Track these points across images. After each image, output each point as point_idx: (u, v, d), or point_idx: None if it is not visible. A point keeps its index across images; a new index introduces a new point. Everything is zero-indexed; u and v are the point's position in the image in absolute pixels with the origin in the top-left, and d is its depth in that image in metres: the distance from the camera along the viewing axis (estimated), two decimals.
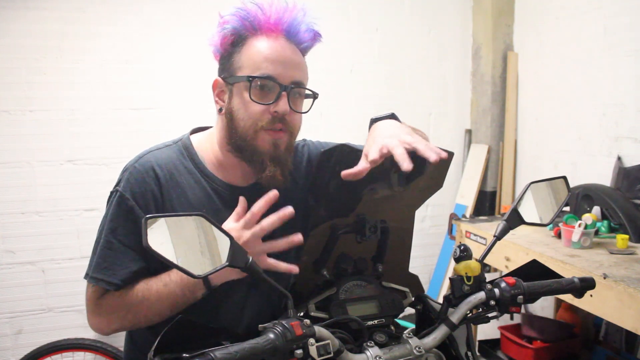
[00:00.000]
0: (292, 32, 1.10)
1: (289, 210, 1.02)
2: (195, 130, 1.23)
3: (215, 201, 1.13)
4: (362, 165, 0.97)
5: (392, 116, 1.11)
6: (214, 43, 1.13)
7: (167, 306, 1.04)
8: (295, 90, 1.09)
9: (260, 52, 1.07)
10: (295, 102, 1.10)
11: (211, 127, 1.23)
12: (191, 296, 1.04)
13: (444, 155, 0.92)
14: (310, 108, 1.14)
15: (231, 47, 1.10)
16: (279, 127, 1.08)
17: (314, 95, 1.14)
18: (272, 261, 1.03)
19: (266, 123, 1.07)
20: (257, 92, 1.07)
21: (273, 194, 1.02)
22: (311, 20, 1.12)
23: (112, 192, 1.12)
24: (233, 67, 1.09)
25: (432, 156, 0.91)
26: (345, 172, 0.98)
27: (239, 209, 1.04)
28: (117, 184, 1.12)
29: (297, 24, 1.09)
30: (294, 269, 1.03)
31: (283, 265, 1.03)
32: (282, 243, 1.03)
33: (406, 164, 0.89)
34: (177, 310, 1.05)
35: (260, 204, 1.02)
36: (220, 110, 1.13)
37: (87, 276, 1.09)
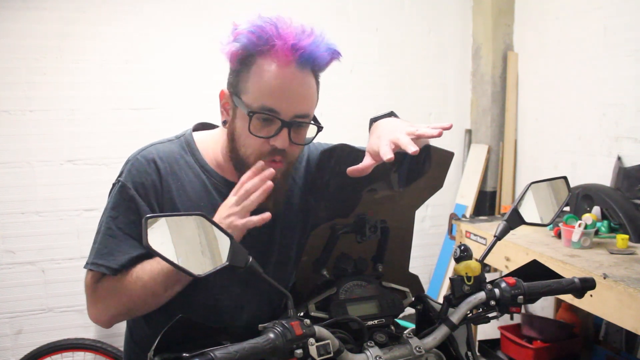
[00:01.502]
0: (306, 59, 1.03)
1: (269, 184, 1.03)
2: (198, 126, 1.24)
3: (214, 196, 1.14)
4: (368, 161, 0.99)
5: (391, 114, 1.11)
6: (225, 52, 1.08)
7: (161, 284, 1.04)
8: (297, 123, 1.06)
9: (266, 81, 1.02)
10: (298, 133, 1.07)
11: (213, 124, 1.23)
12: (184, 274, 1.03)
13: (448, 125, 0.96)
14: (312, 139, 1.12)
15: (239, 64, 1.05)
16: (277, 158, 1.07)
17: (318, 128, 1.11)
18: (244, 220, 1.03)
19: (266, 154, 1.06)
20: (257, 124, 1.04)
21: (269, 172, 1.03)
22: (330, 43, 1.06)
23: (114, 184, 1.13)
24: (239, 87, 1.06)
25: (434, 132, 0.93)
26: (351, 169, 0.99)
27: (238, 185, 1.05)
28: (120, 175, 1.12)
29: (313, 50, 1.03)
30: (266, 216, 1.03)
31: (255, 218, 1.03)
32: (257, 219, 1.03)
33: (412, 147, 0.91)
34: (171, 291, 1.05)
35: (254, 182, 1.03)
36: (224, 122, 1.12)
37: (87, 265, 1.09)
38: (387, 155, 0.93)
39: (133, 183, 1.09)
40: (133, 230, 1.08)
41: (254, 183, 1.03)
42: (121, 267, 1.07)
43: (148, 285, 1.04)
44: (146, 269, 1.05)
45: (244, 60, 1.04)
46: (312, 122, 1.09)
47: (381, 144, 0.96)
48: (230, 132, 1.10)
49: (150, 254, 1.06)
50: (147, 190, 1.09)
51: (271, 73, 1.02)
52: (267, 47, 1.01)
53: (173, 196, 1.11)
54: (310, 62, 1.04)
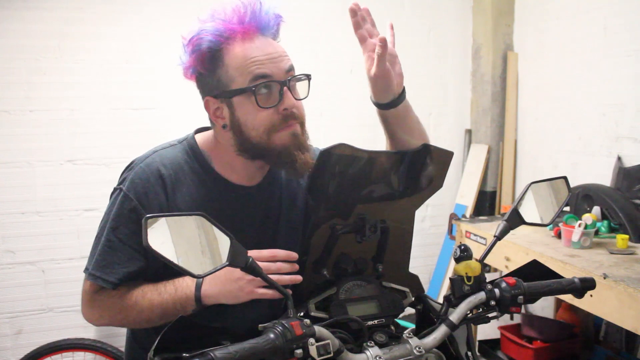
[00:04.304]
0: (262, 25, 1.08)
1: (299, 278, 1.03)
2: (200, 130, 1.23)
3: (219, 201, 1.14)
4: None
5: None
6: (188, 65, 1.11)
7: (157, 315, 1.06)
8: (292, 79, 1.09)
9: (245, 58, 1.05)
10: (294, 90, 1.10)
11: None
12: (181, 309, 1.04)
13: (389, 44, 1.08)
14: (308, 92, 1.14)
15: (210, 63, 1.08)
16: (291, 122, 1.09)
17: (308, 77, 1.13)
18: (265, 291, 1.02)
19: (279, 124, 1.07)
20: (261, 98, 1.06)
21: (294, 256, 1.03)
22: (269, 6, 1.10)
23: (115, 189, 1.13)
24: (223, 83, 1.08)
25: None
26: (373, 71, 1.11)
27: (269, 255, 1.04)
28: (122, 182, 1.12)
29: (262, 16, 1.08)
30: (298, 279, 1.03)
31: (286, 278, 1.03)
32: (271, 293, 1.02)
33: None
34: (165, 321, 1.05)
35: (282, 255, 1.02)
36: (224, 126, 1.11)
37: (86, 270, 1.10)
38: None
39: (136, 193, 1.09)
40: (133, 241, 1.08)
41: (285, 267, 1.02)
42: (119, 282, 1.08)
43: (144, 313, 1.06)
44: (146, 297, 1.06)
45: (213, 59, 1.07)
46: (302, 74, 1.12)
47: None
48: (236, 127, 1.09)
49: (149, 269, 1.08)
50: (150, 201, 1.09)
51: (244, 50, 1.06)
52: (225, 35, 1.06)
53: (178, 203, 1.11)
54: (265, 28, 1.09)
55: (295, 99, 1.09)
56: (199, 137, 1.20)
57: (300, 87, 1.13)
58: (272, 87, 1.06)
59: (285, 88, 1.07)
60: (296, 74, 1.10)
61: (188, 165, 1.14)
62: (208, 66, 1.08)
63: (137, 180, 1.10)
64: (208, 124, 1.25)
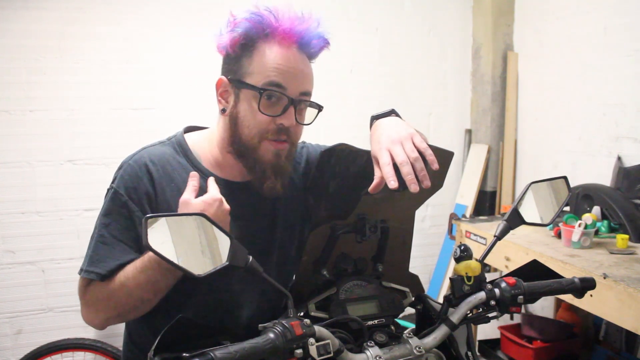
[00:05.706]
0: (304, 42, 1.08)
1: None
2: (189, 129, 1.23)
3: None
4: (379, 173, 0.97)
5: (392, 112, 1.11)
6: (222, 41, 1.10)
7: (150, 291, 1.04)
8: (302, 101, 1.09)
9: (271, 60, 1.05)
10: (300, 113, 1.10)
11: (206, 127, 1.23)
12: (171, 277, 1.03)
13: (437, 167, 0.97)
14: (313, 120, 1.14)
15: (240, 49, 1.08)
16: (283, 137, 1.08)
17: (319, 108, 1.13)
18: None
19: (271, 134, 1.07)
20: (265, 103, 1.06)
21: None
22: (324, 30, 1.10)
23: (108, 189, 1.13)
24: (241, 72, 1.08)
25: (434, 165, 0.95)
26: (371, 189, 0.97)
27: (194, 183, 1.07)
28: (112, 182, 1.13)
29: (310, 35, 1.08)
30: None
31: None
32: None
33: (413, 186, 0.91)
34: (160, 294, 1.05)
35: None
36: (223, 110, 1.12)
37: (81, 271, 1.10)
38: (392, 184, 0.92)
39: (125, 189, 1.09)
40: (125, 235, 1.08)
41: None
42: (109, 274, 1.07)
43: (135, 293, 1.04)
44: (129, 277, 1.04)
45: (245, 46, 1.07)
46: (314, 102, 1.12)
47: (382, 162, 0.95)
48: (232, 117, 1.10)
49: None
50: (139, 195, 1.09)
51: (275, 53, 1.06)
52: (267, 32, 1.06)
53: (167, 198, 1.11)
54: (306, 46, 1.09)
55: (297, 121, 1.08)
56: (189, 136, 1.20)
57: (308, 113, 1.13)
58: (280, 99, 1.06)
59: (291, 107, 1.06)
60: (308, 99, 1.10)
61: (176, 160, 1.15)
62: (237, 50, 1.08)
63: (126, 177, 1.11)
64: (202, 124, 1.26)
